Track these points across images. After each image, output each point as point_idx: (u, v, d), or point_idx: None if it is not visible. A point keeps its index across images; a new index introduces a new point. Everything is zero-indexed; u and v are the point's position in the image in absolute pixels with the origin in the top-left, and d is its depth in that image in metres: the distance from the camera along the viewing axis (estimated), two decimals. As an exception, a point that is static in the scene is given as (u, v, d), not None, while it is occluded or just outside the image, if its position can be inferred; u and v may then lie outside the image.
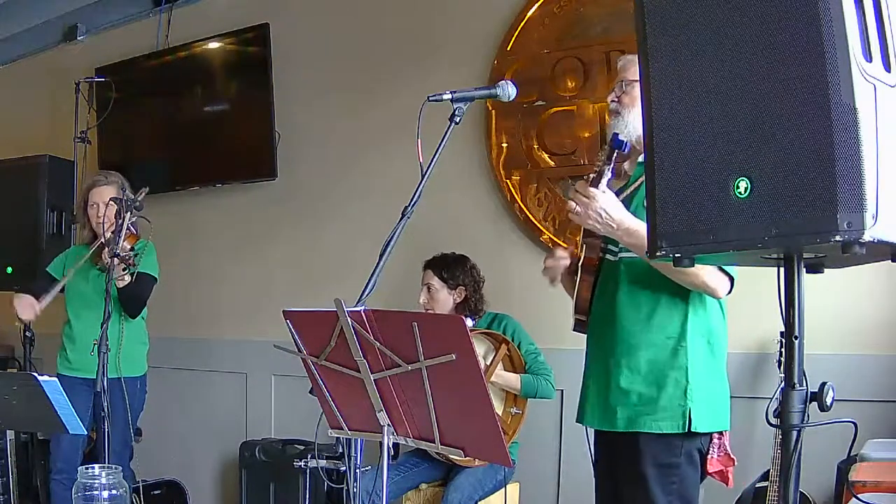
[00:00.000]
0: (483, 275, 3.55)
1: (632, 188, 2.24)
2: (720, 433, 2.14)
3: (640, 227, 2.01)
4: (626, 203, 2.20)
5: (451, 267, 3.49)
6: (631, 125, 2.17)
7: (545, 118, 3.75)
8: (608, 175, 2.05)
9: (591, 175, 2.08)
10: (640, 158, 2.23)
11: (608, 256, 2.23)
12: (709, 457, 2.12)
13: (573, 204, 2.08)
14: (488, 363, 3.17)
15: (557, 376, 3.31)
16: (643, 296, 2.14)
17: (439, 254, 3.54)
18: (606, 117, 3.54)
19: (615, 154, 2.05)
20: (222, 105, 4.73)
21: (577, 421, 2.35)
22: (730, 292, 2.08)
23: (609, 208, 2.03)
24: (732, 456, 2.15)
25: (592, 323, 2.30)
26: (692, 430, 2.06)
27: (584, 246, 2.28)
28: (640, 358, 2.13)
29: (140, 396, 3.66)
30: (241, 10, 4.66)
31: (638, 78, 2.11)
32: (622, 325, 2.17)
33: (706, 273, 2.01)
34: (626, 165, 2.31)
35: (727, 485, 2.16)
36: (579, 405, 2.34)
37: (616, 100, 2.24)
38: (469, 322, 3.40)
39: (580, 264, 2.29)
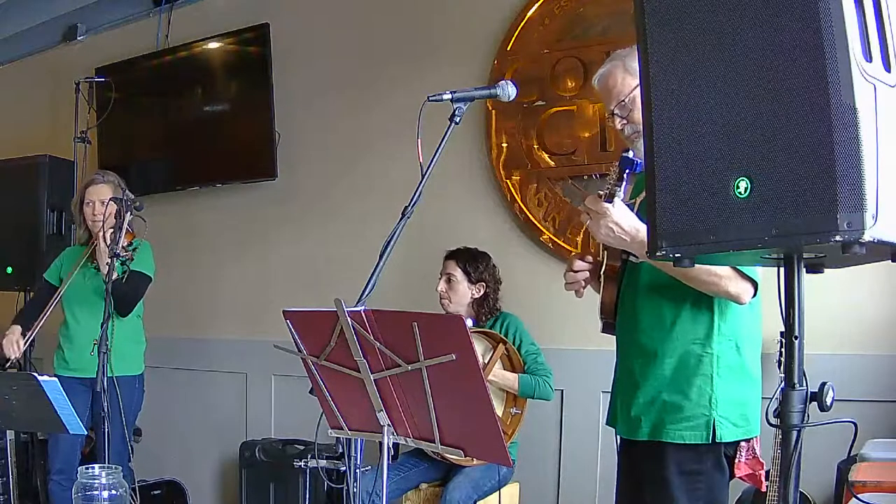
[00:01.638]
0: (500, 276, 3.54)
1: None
2: (748, 438, 2.07)
3: None
4: (644, 205, 2.12)
5: (474, 260, 3.45)
6: None
7: (545, 118, 3.75)
8: (621, 195, 1.96)
9: (603, 192, 1.98)
10: None
11: (631, 258, 2.15)
12: (737, 461, 2.05)
13: (586, 217, 1.99)
14: (486, 362, 3.17)
15: (556, 376, 3.31)
16: (666, 301, 2.07)
17: (462, 246, 3.51)
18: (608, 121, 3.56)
19: (626, 174, 1.94)
20: (222, 105, 4.73)
21: (606, 423, 2.29)
22: (754, 296, 2.00)
23: (622, 222, 1.94)
24: (762, 459, 2.07)
25: (618, 328, 2.23)
26: (716, 440, 2.00)
27: (606, 253, 2.21)
28: (665, 366, 2.06)
29: (137, 396, 3.66)
30: (241, 10, 4.67)
31: (633, 87, 2.06)
32: (645, 333, 2.11)
33: (728, 282, 1.94)
34: None
35: (760, 487, 2.09)
36: (609, 408, 2.28)
37: (625, 121, 2.14)
38: (469, 322, 3.40)
39: (602, 272, 2.21)
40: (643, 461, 2.12)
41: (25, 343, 3.47)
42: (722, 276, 1.92)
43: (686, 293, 2.02)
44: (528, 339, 3.36)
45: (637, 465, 2.16)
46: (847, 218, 1.24)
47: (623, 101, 2.13)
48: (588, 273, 2.23)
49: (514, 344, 3.29)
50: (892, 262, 1.39)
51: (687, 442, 2.01)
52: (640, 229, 1.92)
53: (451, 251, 3.51)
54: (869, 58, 1.28)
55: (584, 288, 2.25)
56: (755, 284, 1.97)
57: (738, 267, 1.91)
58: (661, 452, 2.05)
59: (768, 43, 1.32)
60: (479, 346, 3.22)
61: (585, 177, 3.62)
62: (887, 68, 1.31)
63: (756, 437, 2.08)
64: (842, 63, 1.25)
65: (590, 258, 2.26)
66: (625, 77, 2.14)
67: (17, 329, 3.53)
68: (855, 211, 1.24)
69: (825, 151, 1.25)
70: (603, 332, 2.28)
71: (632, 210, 1.99)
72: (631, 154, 1.93)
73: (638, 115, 2.06)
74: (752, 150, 1.34)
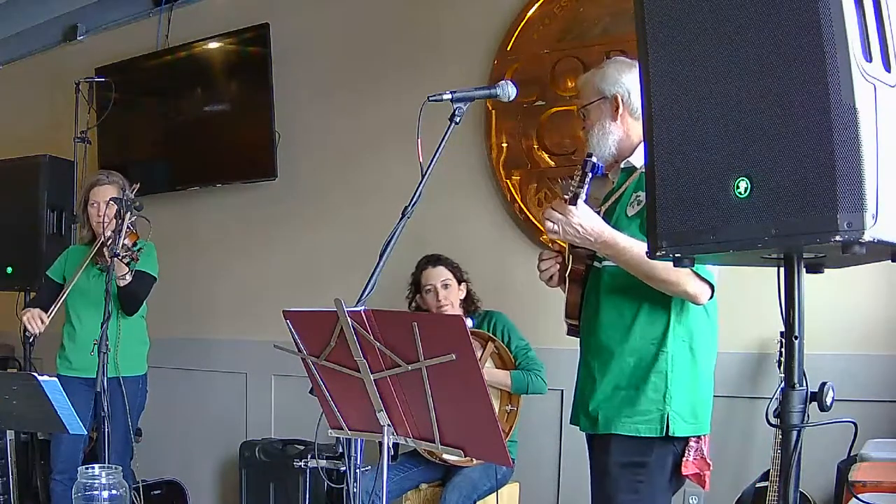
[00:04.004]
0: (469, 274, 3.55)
1: (616, 196, 2.26)
2: (697, 437, 2.15)
3: (618, 239, 2.07)
4: (610, 212, 2.23)
5: (453, 262, 3.47)
6: (597, 145, 2.23)
7: (545, 118, 3.75)
8: (584, 197, 2.09)
9: (567, 196, 2.10)
10: (623, 164, 2.26)
11: (595, 264, 2.26)
12: (684, 459, 2.13)
13: (550, 224, 2.10)
14: (475, 361, 3.17)
15: (557, 376, 3.31)
16: (626, 303, 2.17)
17: (430, 254, 3.49)
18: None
19: (589, 177, 2.09)
20: (222, 105, 4.72)
21: (570, 422, 2.37)
22: (711, 298, 2.10)
23: (585, 222, 2.06)
24: (709, 460, 2.16)
25: (582, 328, 2.33)
26: (670, 434, 2.09)
27: (571, 256, 2.31)
28: (624, 364, 2.16)
29: (141, 396, 3.66)
30: (241, 10, 4.66)
31: (591, 100, 2.25)
32: (605, 333, 2.20)
33: (686, 281, 2.03)
34: (609, 174, 2.33)
35: (703, 488, 2.18)
36: (572, 407, 2.36)
37: (584, 124, 2.32)
38: (469, 322, 3.40)
39: (567, 274, 2.31)
40: (598, 454, 2.21)
41: (49, 318, 3.38)
42: (681, 274, 2.00)
43: (645, 296, 2.13)
44: (517, 335, 3.36)
45: (593, 458, 2.26)
46: (847, 218, 1.24)
47: (583, 108, 2.31)
48: (556, 262, 2.33)
49: (502, 340, 3.30)
50: (892, 262, 1.39)
51: (641, 435, 2.10)
52: (604, 230, 2.07)
53: (432, 258, 3.47)
54: (869, 58, 1.28)
55: (556, 278, 2.35)
56: (712, 287, 2.07)
57: (696, 270, 2.01)
58: (610, 444, 2.14)
59: (768, 43, 1.32)
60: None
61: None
62: (887, 68, 1.31)
63: (705, 436, 2.17)
64: (842, 63, 1.25)
65: (557, 247, 2.37)
66: (590, 89, 2.30)
67: (36, 309, 3.44)
68: (855, 211, 1.24)
69: (825, 151, 1.26)
70: (568, 335, 2.38)
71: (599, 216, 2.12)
72: (594, 158, 2.11)
73: (588, 123, 2.28)
74: (752, 149, 1.35)
